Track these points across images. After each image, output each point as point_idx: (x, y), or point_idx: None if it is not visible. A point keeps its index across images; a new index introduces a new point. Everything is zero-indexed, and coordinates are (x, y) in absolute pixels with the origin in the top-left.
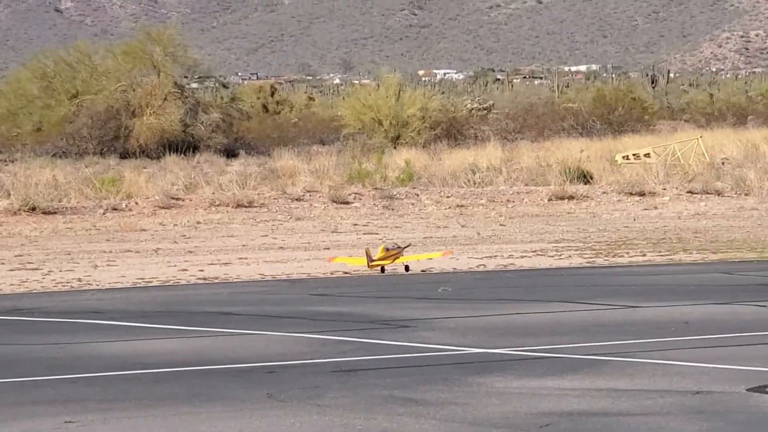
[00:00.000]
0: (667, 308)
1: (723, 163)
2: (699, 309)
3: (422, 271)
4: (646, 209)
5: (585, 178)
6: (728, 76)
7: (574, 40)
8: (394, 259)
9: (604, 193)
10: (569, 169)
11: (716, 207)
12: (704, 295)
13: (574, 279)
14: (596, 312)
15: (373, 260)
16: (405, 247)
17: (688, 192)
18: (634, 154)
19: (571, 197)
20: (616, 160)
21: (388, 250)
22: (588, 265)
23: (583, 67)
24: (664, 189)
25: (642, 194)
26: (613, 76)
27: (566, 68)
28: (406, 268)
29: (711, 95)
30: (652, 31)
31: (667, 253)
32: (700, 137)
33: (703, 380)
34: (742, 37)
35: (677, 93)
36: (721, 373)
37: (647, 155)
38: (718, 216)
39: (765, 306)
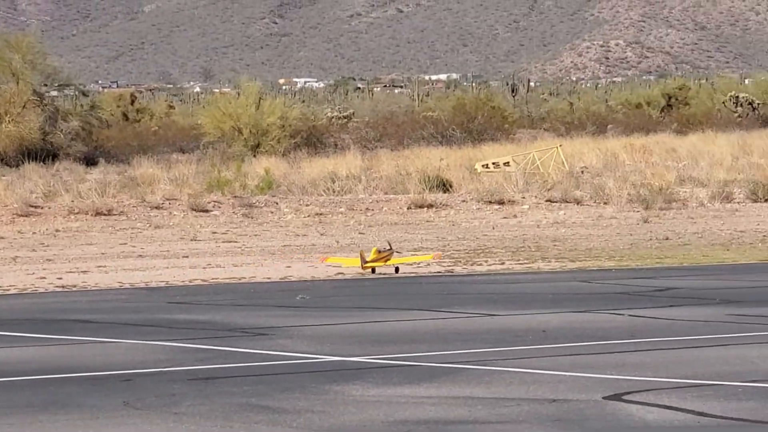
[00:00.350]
0: (525, 316)
1: (582, 172)
2: (557, 317)
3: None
4: (505, 218)
5: (444, 186)
6: (588, 85)
7: (435, 49)
8: (386, 261)
9: (463, 201)
10: (429, 178)
11: (575, 215)
12: (562, 303)
13: (432, 287)
14: (454, 320)
15: (367, 262)
16: (394, 251)
17: (547, 200)
18: (493, 163)
19: (430, 206)
20: (476, 169)
21: (380, 252)
22: (447, 273)
23: (443, 76)
24: (524, 197)
25: (501, 203)
26: (474, 85)
27: (426, 77)
28: (396, 269)
29: (571, 104)
30: (512, 40)
31: (525, 261)
32: (560, 146)
33: (559, 388)
34: (602, 46)
35: (537, 102)
36: (577, 381)
37: (507, 164)
38: (576, 224)
39: (622, 314)
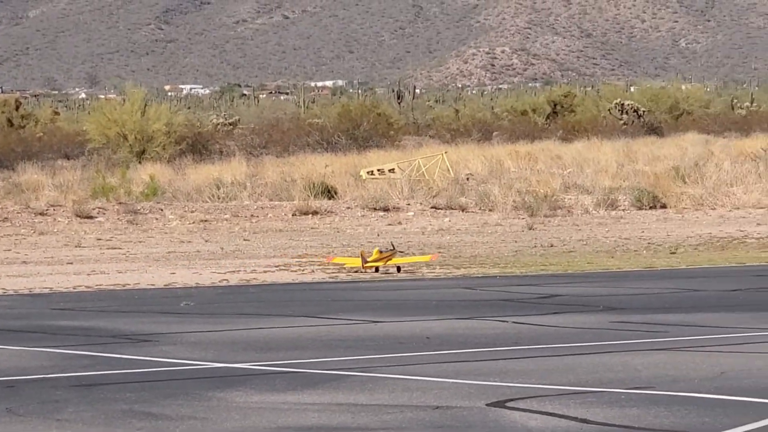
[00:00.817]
0: (409, 323)
1: (467, 179)
2: (441, 324)
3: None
4: (390, 224)
5: (329, 193)
6: (474, 92)
7: (321, 56)
8: (387, 261)
9: (348, 208)
10: (314, 185)
11: (460, 222)
12: (446, 310)
13: (316, 294)
14: (338, 327)
15: (368, 261)
16: (396, 251)
17: (432, 207)
18: (378, 170)
19: (315, 212)
20: (361, 176)
21: (381, 252)
22: (331, 280)
23: (329, 83)
24: (409, 204)
25: (386, 209)
26: (359, 91)
27: (312, 84)
28: (398, 269)
29: (457, 111)
30: (398, 47)
31: (410, 268)
32: (445, 153)
33: (443, 395)
34: (488, 53)
35: (423, 109)
36: (461, 388)
37: (392, 170)
38: (461, 231)
39: (506, 321)
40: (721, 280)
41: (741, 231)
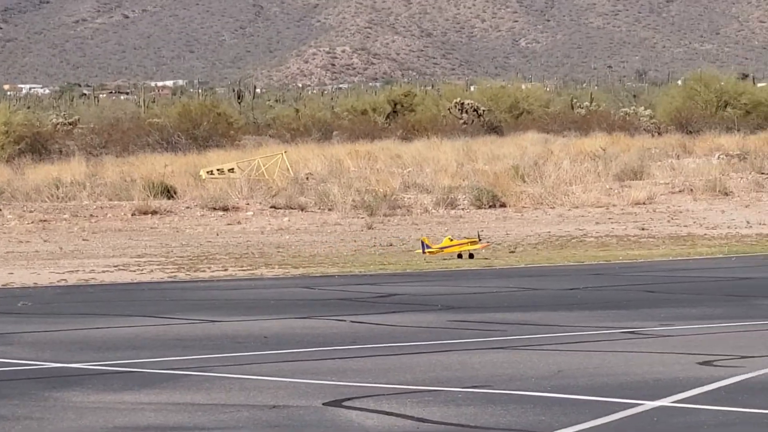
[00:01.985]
0: (247, 322)
1: (307, 178)
2: (278, 323)
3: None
4: (229, 224)
5: (169, 193)
6: (314, 91)
7: (161, 56)
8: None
9: (187, 208)
10: (153, 184)
11: (300, 222)
12: (284, 309)
13: (155, 293)
14: (176, 326)
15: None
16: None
17: (271, 207)
18: (218, 169)
19: (154, 212)
20: (201, 176)
21: (451, 240)
22: (169, 279)
23: (169, 83)
24: (248, 204)
25: (225, 209)
26: (200, 91)
27: (153, 83)
28: (470, 255)
29: (297, 111)
30: (238, 46)
31: (249, 267)
32: (285, 152)
33: (280, 394)
34: (328, 53)
35: (263, 108)
36: (298, 387)
37: (231, 170)
38: (301, 231)
39: (344, 320)
40: (559, 278)
41: (580, 230)
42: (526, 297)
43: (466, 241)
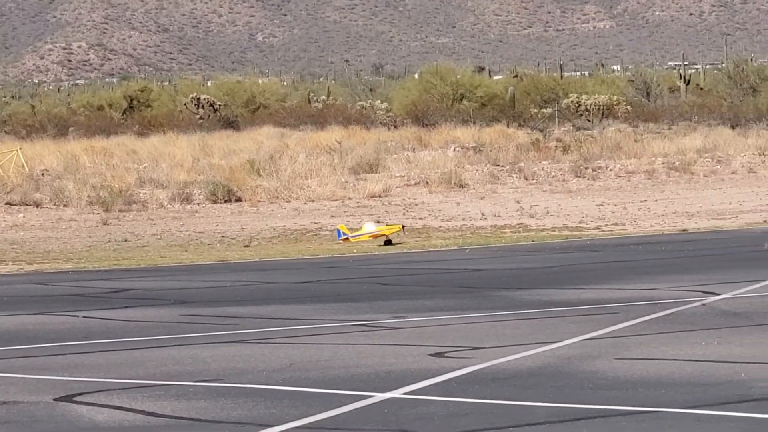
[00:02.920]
0: None
1: (43, 175)
2: (10, 320)
3: None
4: None
5: None
6: (51, 87)
7: None
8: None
9: None
10: None
11: (34, 218)
12: (17, 305)
13: None
14: None
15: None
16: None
17: (6, 204)
18: None
19: None
20: None
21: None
22: None
23: None
24: None
25: None
26: None
27: None
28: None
29: (33, 107)
30: None
31: None
32: (20, 149)
33: (10, 390)
34: (64, 48)
35: None
36: (28, 383)
37: None
38: (36, 227)
39: (77, 316)
40: (293, 272)
41: (315, 223)
42: (259, 291)
43: (385, 227)
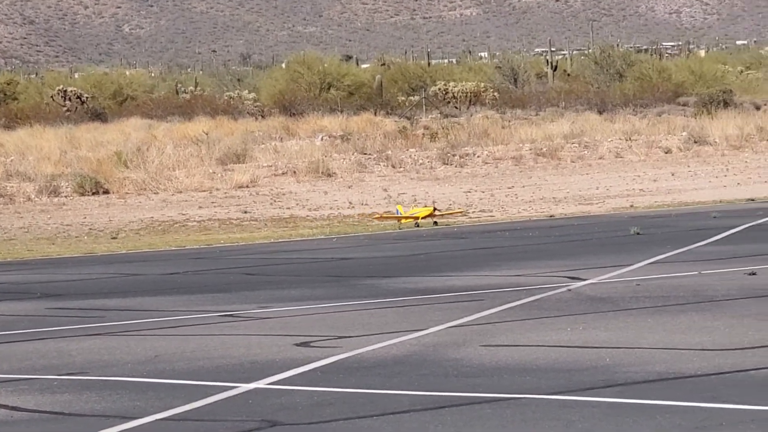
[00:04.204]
0: None
1: None
2: None
3: None
4: None
5: None
6: None
7: None
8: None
9: None
10: None
11: None
12: None
13: None
14: None
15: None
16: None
17: None
18: None
19: None
20: None
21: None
22: None
23: None
24: None
25: None
26: None
27: None
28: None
29: None
30: None
31: None
32: None
33: None
34: None
35: None
36: None
37: None
38: None
39: None
40: (160, 263)
41: (183, 214)
42: (126, 283)
43: (422, 209)
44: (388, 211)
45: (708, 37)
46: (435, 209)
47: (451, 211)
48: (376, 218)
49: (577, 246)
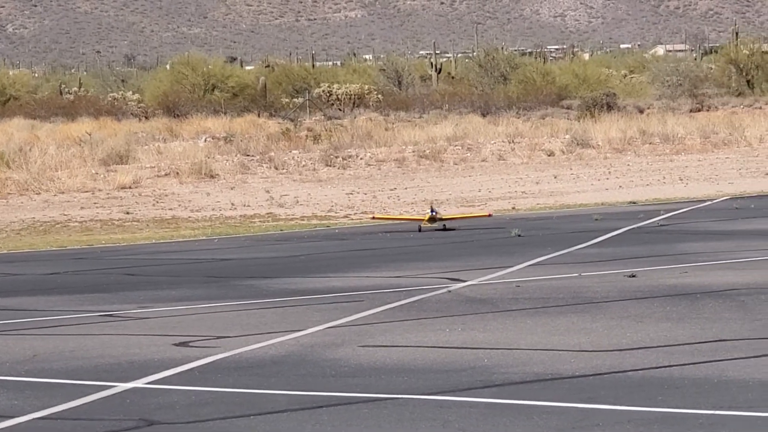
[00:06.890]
0: None
1: None
2: None
3: None
4: None
5: None
6: None
7: None
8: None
9: None
10: None
11: None
12: None
13: None
14: None
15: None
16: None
17: None
18: None
19: None
20: None
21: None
22: None
23: None
24: None
25: None
26: None
27: None
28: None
29: None
30: None
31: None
32: None
33: None
34: None
35: None
36: None
37: None
38: None
39: None
40: (40, 264)
41: (65, 215)
42: (5, 283)
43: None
44: (370, 211)
45: (592, 41)
46: (432, 211)
47: (473, 215)
48: (372, 218)
49: (459, 248)
